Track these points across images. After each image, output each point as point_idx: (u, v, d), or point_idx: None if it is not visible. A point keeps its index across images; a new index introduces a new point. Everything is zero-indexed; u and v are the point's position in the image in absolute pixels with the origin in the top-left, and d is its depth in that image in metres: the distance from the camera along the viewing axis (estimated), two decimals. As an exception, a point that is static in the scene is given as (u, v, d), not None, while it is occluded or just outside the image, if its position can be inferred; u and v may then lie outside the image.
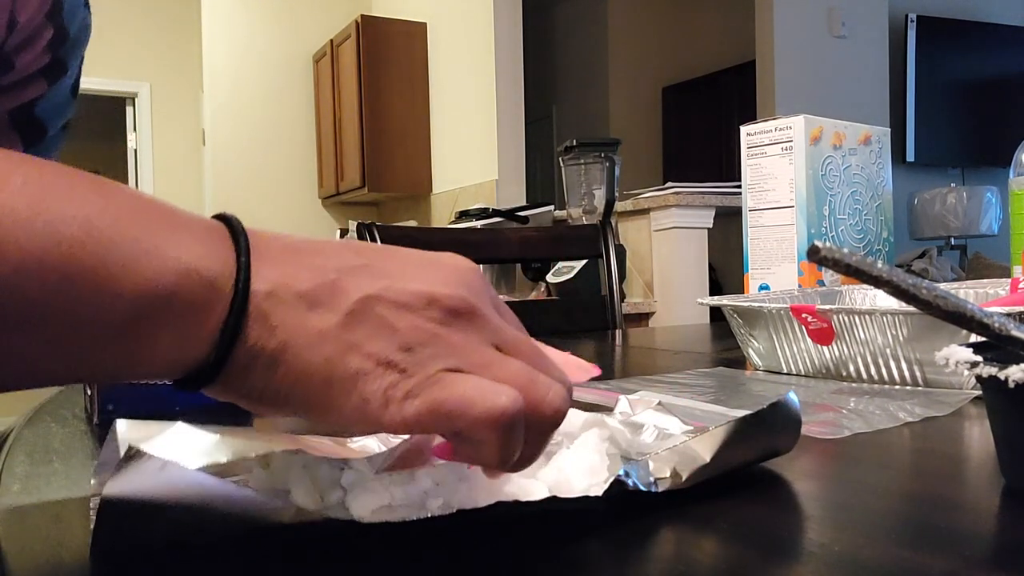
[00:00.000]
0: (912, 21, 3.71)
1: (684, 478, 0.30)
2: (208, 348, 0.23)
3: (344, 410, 0.24)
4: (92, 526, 0.28)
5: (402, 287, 0.24)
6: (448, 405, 0.24)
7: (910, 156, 3.74)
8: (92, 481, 0.33)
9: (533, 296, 2.26)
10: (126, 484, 0.23)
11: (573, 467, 0.30)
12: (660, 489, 0.29)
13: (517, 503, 0.26)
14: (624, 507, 0.29)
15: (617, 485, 0.28)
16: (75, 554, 0.29)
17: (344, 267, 0.24)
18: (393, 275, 0.25)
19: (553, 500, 0.27)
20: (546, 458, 0.31)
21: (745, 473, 0.33)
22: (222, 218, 0.25)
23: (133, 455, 0.23)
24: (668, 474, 0.30)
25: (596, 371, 0.32)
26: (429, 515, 0.26)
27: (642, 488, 0.29)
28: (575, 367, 0.31)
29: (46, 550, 0.30)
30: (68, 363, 0.22)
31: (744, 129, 0.97)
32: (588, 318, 1.34)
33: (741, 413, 0.39)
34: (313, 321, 0.23)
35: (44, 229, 0.20)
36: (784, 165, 0.93)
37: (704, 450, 0.30)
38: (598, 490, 0.28)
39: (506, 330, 0.26)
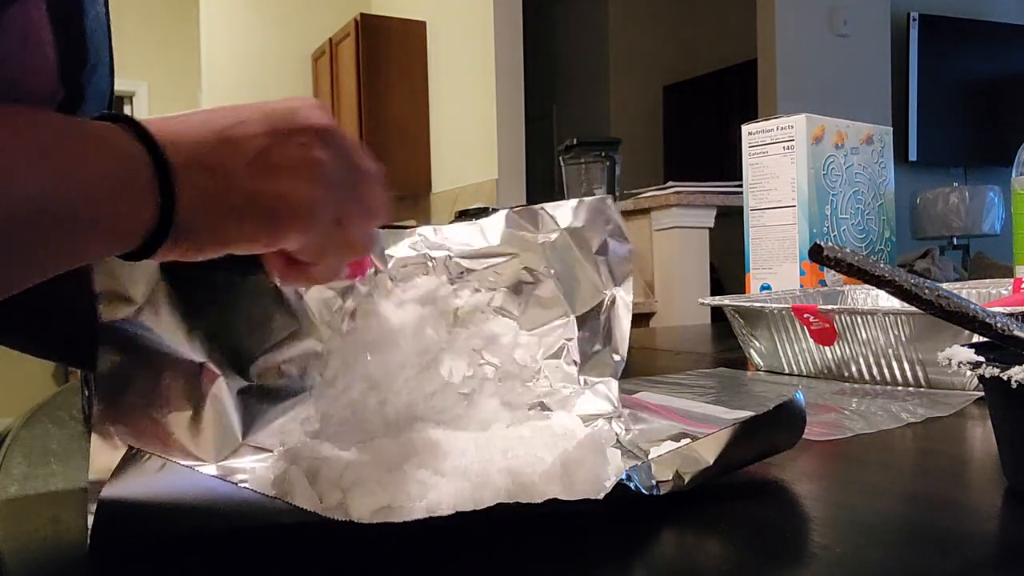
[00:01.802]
0: (914, 20, 3.71)
1: (686, 480, 0.29)
2: (151, 217, 0.28)
3: (283, 221, 0.30)
4: (90, 526, 0.28)
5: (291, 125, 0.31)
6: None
7: (912, 155, 3.74)
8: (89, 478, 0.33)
9: (534, 296, 2.26)
10: (125, 485, 0.23)
11: (575, 468, 0.30)
12: (662, 492, 0.29)
13: (518, 505, 0.26)
14: (625, 508, 0.29)
15: (619, 488, 0.28)
16: (73, 555, 0.29)
17: (233, 122, 0.30)
18: (276, 115, 0.31)
19: (554, 502, 0.27)
20: (546, 458, 0.31)
21: (747, 474, 0.33)
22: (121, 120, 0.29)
23: (132, 455, 0.23)
24: (670, 477, 0.29)
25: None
26: (428, 516, 0.26)
27: (643, 491, 0.28)
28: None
29: (44, 551, 0.30)
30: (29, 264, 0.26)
31: (745, 128, 0.97)
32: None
33: (742, 414, 0.39)
34: (220, 179, 0.29)
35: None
36: (786, 164, 0.92)
37: (708, 452, 0.30)
38: (598, 494, 0.28)
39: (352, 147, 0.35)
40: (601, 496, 0.27)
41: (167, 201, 0.28)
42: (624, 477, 0.28)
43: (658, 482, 0.29)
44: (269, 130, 0.31)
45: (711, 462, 0.30)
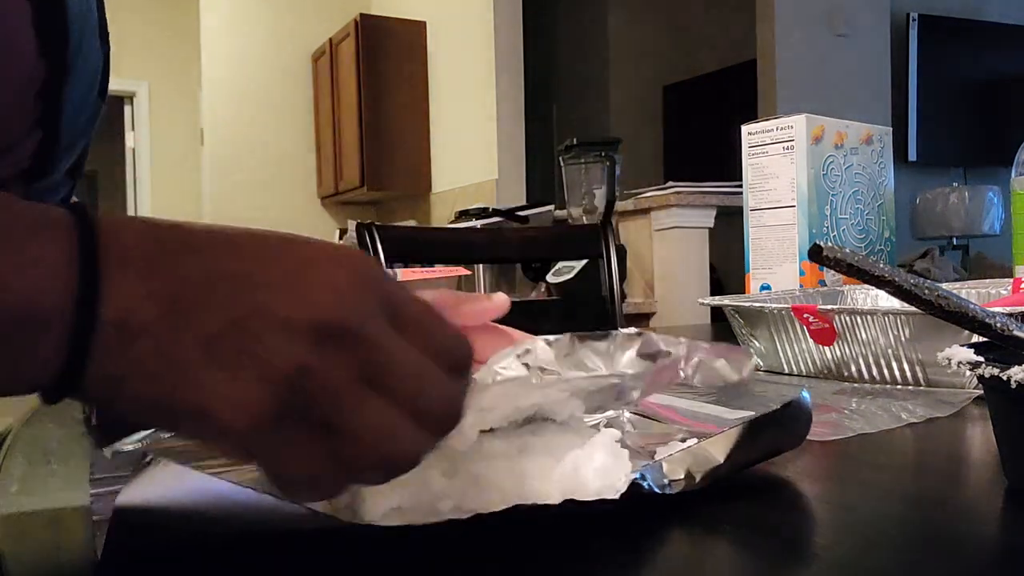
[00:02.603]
0: (914, 20, 3.71)
1: (698, 479, 0.30)
2: (52, 371, 0.21)
3: (192, 434, 0.23)
4: (94, 531, 0.28)
5: (275, 310, 0.22)
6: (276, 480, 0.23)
7: (912, 155, 3.74)
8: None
9: (533, 296, 2.26)
10: (141, 491, 0.23)
11: (586, 467, 0.30)
12: (674, 491, 0.29)
13: (533, 507, 0.26)
14: (632, 508, 0.29)
15: (632, 488, 0.28)
16: (73, 555, 0.29)
17: (216, 273, 0.22)
18: (271, 288, 0.22)
19: (569, 503, 0.27)
20: (558, 459, 0.30)
21: (748, 474, 0.33)
22: (76, 210, 0.22)
23: (149, 462, 0.23)
24: (682, 476, 0.29)
25: (502, 304, 0.31)
26: (441, 520, 0.26)
27: (656, 491, 0.28)
28: (482, 312, 0.31)
29: (43, 551, 0.30)
30: None
31: (745, 128, 0.97)
32: (588, 318, 1.34)
33: (743, 414, 0.39)
34: (167, 348, 0.21)
35: None
36: (785, 164, 0.92)
37: (718, 451, 0.30)
38: (613, 493, 0.28)
39: (384, 348, 0.23)
40: (617, 496, 0.27)
41: (73, 358, 0.21)
42: (638, 476, 0.28)
43: (670, 481, 0.29)
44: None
45: (721, 460, 0.30)
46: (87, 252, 0.21)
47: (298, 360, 0.22)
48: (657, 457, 0.31)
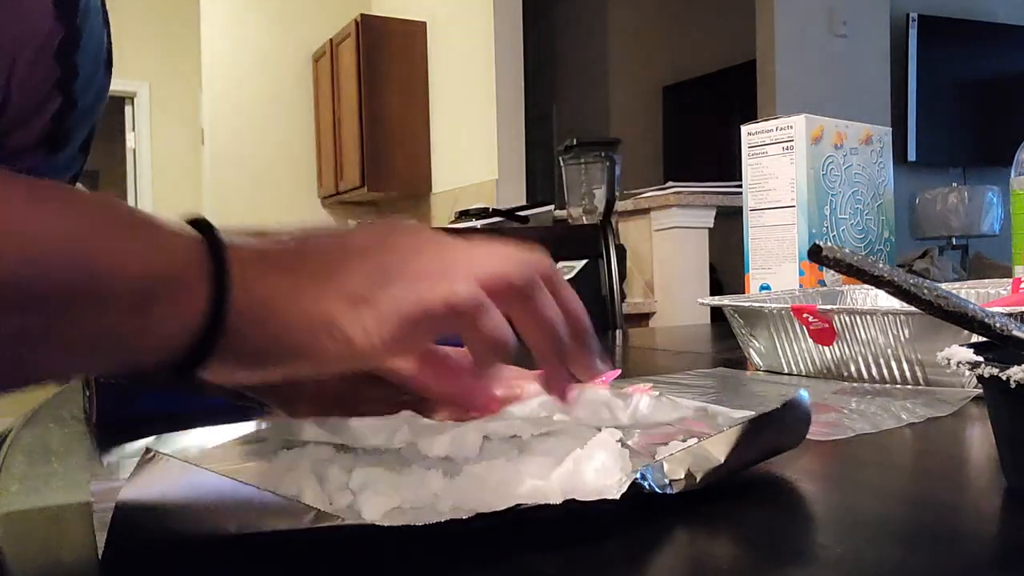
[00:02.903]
0: (913, 20, 3.71)
1: (698, 479, 0.30)
2: (201, 318, 0.25)
3: (329, 351, 0.26)
4: (96, 529, 0.28)
5: (361, 236, 0.29)
6: (410, 308, 0.27)
7: (911, 155, 3.74)
8: (92, 486, 0.33)
9: (533, 296, 2.26)
10: (142, 488, 0.23)
11: (587, 467, 0.30)
12: (675, 491, 0.29)
13: (533, 507, 0.26)
14: (631, 508, 0.29)
15: (633, 487, 0.28)
16: (74, 554, 0.29)
17: (303, 234, 0.28)
18: (350, 232, 0.29)
19: (570, 502, 0.27)
20: (558, 459, 0.31)
21: (747, 474, 0.33)
22: (195, 223, 0.27)
23: (150, 459, 0.23)
24: (682, 475, 0.29)
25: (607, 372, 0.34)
26: (443, 519, 0.26)
27: (657, 491, 0.29)
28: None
29: (44, 550, 0.30)
30: (86, 344, 0.24)
31: (745, 128, 0.97)
32: (588, 318, 1.34)
33: (743, 414, 0.39)
34: (287, 279, 0.26)
35: (36, 235, 0.23)
36: (785, 165, 0.92)
37: (718, 451, 0.30)
38: (614, 492, 0.28)
39: (468, 242, 0.30)
40: (618, 496, 0.27)
41: (220, 294, 0.25)
42: (639, 476, 0.28)
43: (671, 480, 0.29)
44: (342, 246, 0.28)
45: (721, 460, 0.30)
46: (200, 224, 0.26)
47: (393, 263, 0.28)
48: (657, 457, 0.31)
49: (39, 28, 0.29)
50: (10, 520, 0.34)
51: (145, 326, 0.25)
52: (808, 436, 0.40)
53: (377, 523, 0.25)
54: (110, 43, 0.35)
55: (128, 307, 0.24)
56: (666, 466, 0.29)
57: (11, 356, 0.23)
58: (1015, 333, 0.29)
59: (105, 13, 0.34)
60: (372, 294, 0.27)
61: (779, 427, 0.33)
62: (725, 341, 0.93)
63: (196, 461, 0.26)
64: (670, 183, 2.19)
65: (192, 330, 0.25)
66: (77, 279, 0.23)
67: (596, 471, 0.29)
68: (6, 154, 0.30)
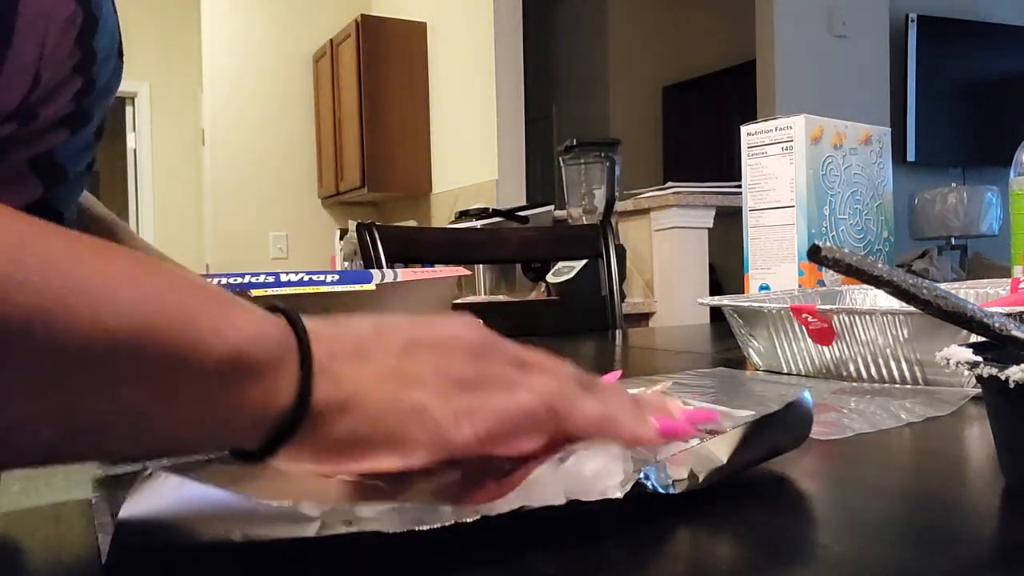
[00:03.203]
0: (913, 21, 3.71)
1: (701, 479, 0.30)
2: (288, 400, 0.25)
3: (419, 439, 0.26)
4: (99, 541, 0.28)
5: (433, 332, 0.28)
6: (514, 415, 0.27)
7: (911, 156, 3.74)
8: (94, 496, 0.33)
9: (533, 296, 2.26)
10: (142, 505, 0.23)
11: (589, 468, 0.30)
12: (677, 491, 0.29)
13: (536, 507, 0.26)
14: (632, 508, 0.29)
15: (636, 487, 0.28)
16: (75, 555, 0.29)
17: (378, 324, 0.28)
18: (419, 326, 0.28)
19: (570, 503, 0.27)
20: (561, 460, 0.31)
21: (749, 474, 0.33)
22: (270, 307, 0.27)
23: (149, 475, 0.23)
24: (685, 476, 0.29)
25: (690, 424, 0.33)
26: (446, 523, 0.25)
27: (660, 491, 0.29)
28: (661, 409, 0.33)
29: (45, 550, 0.30)
30: (177, 420, 0.24)
31: (744, 129, 0.97)
32: (588, 318, 1.34)
33: (743, 413, 0.39)
34: (371, 368, 0.26)
35: (138, 302, 0.23)
36: (784, 165, 0.93)
37: (720, 451, 0.30)
38: (617, 493, 0.28)
39: (525, 351, 0.30)
40: (621, 496, 0.27)
41: (306, 379, 0.25)
42: (642, 476, 0.28)
43: (674, 480, 0.29)
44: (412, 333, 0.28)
45: (724, 461, 0.30)
46: (284, 312, 0.26)
47: (470, 359, 0.28)
48: (660, 457, 0.31)
49: (63, 9, 0.29)
50: (11, 518, 0.34)
51: (235, 404, 0.24)
52: (808, 435, 0.40)
53: (381, 531, 0.25)
54: (119, 31, 0.35)
55: (222, 381, 0.24)
56: (669, 467, 0.30)
57: (99, 432, 0.23)
58: (1014, 333, 0.29)
59: (113, 2, 0.35)
60: (460, 386, 0.27)
61: (782, 427, 0.33)
62: (725, 341, 0.93)
63: (193, 475, 0.26)
64: (670, 183, 2.19)
65: (276, 413, 0.25)
66: (181, 347, 0.23)
67: (598, 471, 0.29)
68: (37, 129, 0.31)
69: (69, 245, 0.23)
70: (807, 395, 0.33)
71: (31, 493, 0.37)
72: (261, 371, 0.24)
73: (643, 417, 0.30)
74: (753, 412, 0.34)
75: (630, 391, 0.41)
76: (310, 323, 0.26)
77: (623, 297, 2.00)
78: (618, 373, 0.49)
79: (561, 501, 0.27)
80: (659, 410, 0.33)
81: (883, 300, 0.73)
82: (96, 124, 0.35)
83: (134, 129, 4.42)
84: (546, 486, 0.29)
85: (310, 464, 0.26)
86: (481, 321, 0.30)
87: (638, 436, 0.30)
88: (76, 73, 0.31)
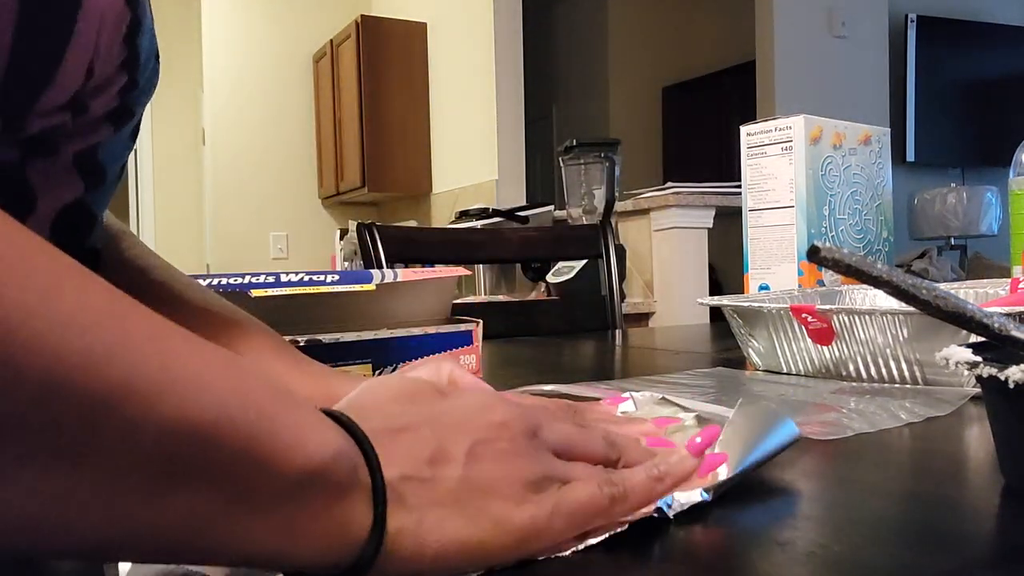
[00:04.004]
0: (912, 21, 3.71)
1: (710, 496, 0.30)
2: (365, 526, 0.24)
3: (506, 549, 0.26)
4: None
5: (483, 421, 0.28)
6: (584, 510, 0.27)
7: (910, 156, 3.74)
8: None
9: (533, 296, 2.26)
10: None
11: None
12: (687, 507, 0.29)
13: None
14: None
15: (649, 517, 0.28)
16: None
17: (429, 417, 0.27)
18: (473, 424, 0.28)
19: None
20: None
21: (749, 474, 0.33)
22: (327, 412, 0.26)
23: None
24: (698, 499, 0.29)
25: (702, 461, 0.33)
26: None
27: (670, 516, 0.29)
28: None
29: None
30: (223, 531, 0.22)
31: (744, 129, 0.97)
32: (588, 318, 1.34)
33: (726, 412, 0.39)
34: (441, 487, 0.25)
35: (223, 399, 0.22)
36: (784, 165, 0.93)
37: (723, 470, 0.31)
38: (621, 526, 0.28)
39: (566, 427, 0.31)
40: (625, 528, 0.28)
41: (380, 505, 0.24)
42: (655, 515, 0.28)
43: (689, 507, 0.29)
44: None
45: (730, 475, 0.30)
46: (343, 422, 0.25)
47: (530, 450, 0.28)
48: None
49: (116, 6, 0.30)
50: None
51: (308, 522, 0.23)
52: (808, 435, 0.40)
53: None
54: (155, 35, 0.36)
55: (300, 495, 0.23)
56: (680, 496, 0.29)
57: (153, 533, 0.21)
58: (1013, 333, 0.29)
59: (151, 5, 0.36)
60: (533, 493, 0.27)
61: (764, 427, 0.33)
62: (724, 341, 0.93)
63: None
64: (669, 183, 2.20)
65: (354, 538, 0.24)
66: (262, 451, 0.22)
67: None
68: (87, 122, 0.31)
69: (166, 329, 0.22)
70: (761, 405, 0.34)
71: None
72: (339, 491, 0.23)
73: (679, 454, 0.31)
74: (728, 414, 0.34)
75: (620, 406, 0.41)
76: (369, 427, 0.25)
77: (623, 297, 2.00)
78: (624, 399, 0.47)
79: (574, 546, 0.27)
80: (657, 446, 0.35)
81: (883, 300, 0.73)
82: (135, 123, 0.36)
83: (134, 129, 4.41)
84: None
85: None
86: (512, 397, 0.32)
87: (684, 477, 0.31)
88: (122, 69, 0.32)
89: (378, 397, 0.28)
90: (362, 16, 3.52)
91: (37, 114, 0.28)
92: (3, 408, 0.18)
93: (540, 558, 0.26)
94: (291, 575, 0.24)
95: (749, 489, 0.32)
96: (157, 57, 0.36)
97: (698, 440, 0.32)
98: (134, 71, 0.33)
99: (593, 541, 0.27)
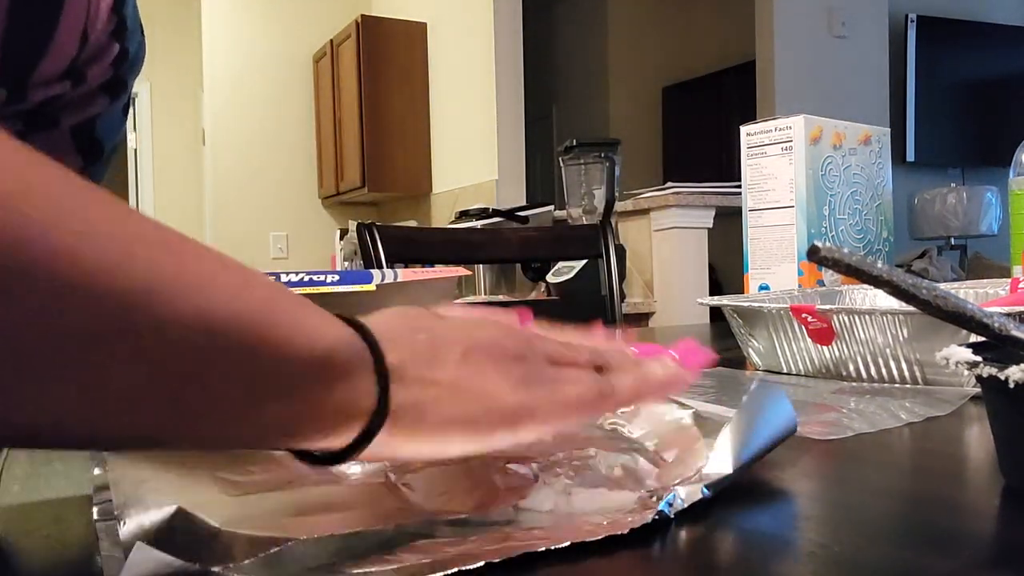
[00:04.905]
0: (912, 21, 3.71)
1: (711, 494, 0.30)
2: (370, 402, 0.26)
3: (492, 424, 0.28)
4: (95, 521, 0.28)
5: (482, 337, 0.30)
6: (574, 400, 0.30)
7: (910, 156, 3.74)
8: (96, 470, 0.33)
9: (533, 296, 2.26)
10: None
11: (595, 504, 0.30)
12: (686, 505, 0.29)
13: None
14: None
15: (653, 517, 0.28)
16: (75, 554, 0.29)
17: (427, 328, 0.29)
18: (467, 333, 0.30)
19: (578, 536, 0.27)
20: (566, 495, 0.31)
21: (748, 474, 0.33)
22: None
23: (139, 554, 0.23)
24: (699, 497, 0.29)
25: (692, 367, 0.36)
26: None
27: (670, 516, 0.29)
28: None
29: (46, 542, 0.30)
30: (249, 417, 0.24)
31: (744, 129, 0.97)
32: (588, 318, 1.34)
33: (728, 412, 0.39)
34: (438, 373, 0.28)
35: (235, 294, 0.24)
36: (784, 165, 0.93)
37: (724, 466, 0.31)
38: (623, 528, 0.27)
39: (559, 341, 0.33)
40: (625, 532, 0.27)
41: (383, 383, 0.26)
42: (656, 516, 0.28)
43: (690, 504, 0.29)
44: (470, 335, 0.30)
45: (730, 471, 0.30)
46: (350, 320, 0.27)
47: (520, 357, 0.30)
48: (675, 487, 0.31)
49: None
50: (11, 513, 0.34)
51: (321, 403, 0.25)
52: (808, 435, 0.40)
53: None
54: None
55: (313, 379, 0.25)
56: (683, 492, 0.29)
57: (193, 420, 0.23)
58: (1013, 333, 0.29)
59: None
60: (524, 387, 0.29)
61: (764, 419, 0.33)
62: (724, 341, 0.93)
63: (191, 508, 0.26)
64: (669, 183, 2.20)
65: (361, 414, 0.26)
66: (276, 342, 0.24)
67: (606, 509, 0.29)
68: (85, 92, 0.32)
69: (173, 235, 0.23)
70: (764, 384, 0.34)
71: (31, 493, 0.37)
72: (346, 373, 0.25)
73: (664, 362, 0.34)
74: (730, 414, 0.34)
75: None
76: (374, 330, 0.27)
77: (623, 297, 2.00)
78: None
79: (566, 543, 0.27)
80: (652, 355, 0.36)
81: (883, 300, 0.73)
82: (127, 97, 0.36)
83: (135, 129, 4.42)
84: (547, 528, 0.29)
85: (389, 456, 0.28)
86: (514, 316, 0.34)
87: (676, 381, 0.33)
88: (113, 39, 0.33)
89: (382, 314, 0.30)
90: (362, 16, 3.52)
91: (38, 83, 0.29)
92: (43, 318, 0.19)
93: (475, 564, 0.25)
94: (298, 454, 0.27)
95: (749, 489, 0.32)
96: (142, 31, 0.37)
97: (675, 355, 0.34)
98: (123, 39, 0.34)
99: (593, 539, 0.27)
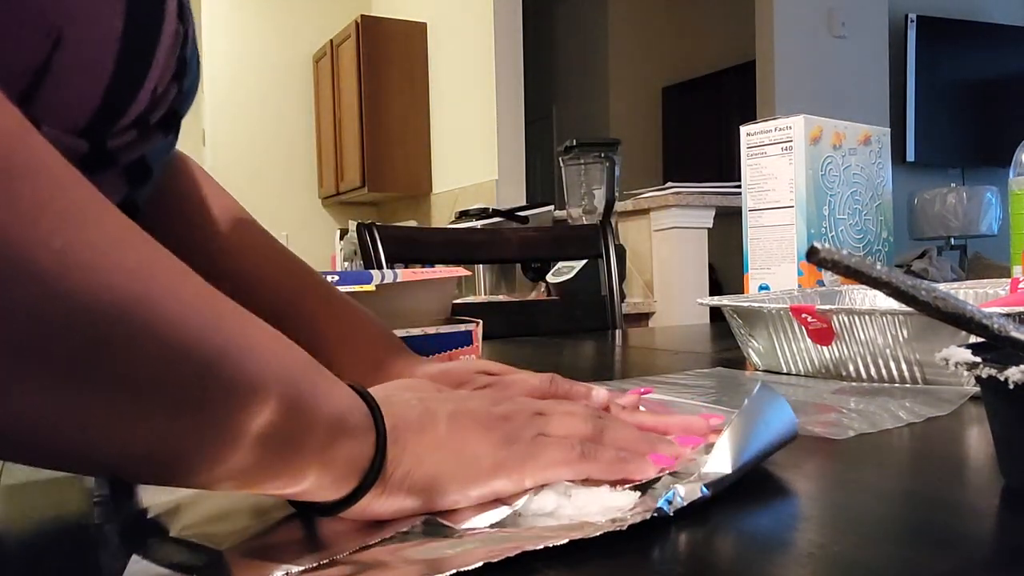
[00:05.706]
0: (912, 21, 3.72)
1: (711, 493, 0.30)
2: (367, 460, 0.29)
3: (475, 482, 0.31)
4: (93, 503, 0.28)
5: (468, 402, 0.33)
6: (554, 461, 0.32)
7: (910, 156, 3.74)
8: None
9: (533, 296, 2.26)
10: None
11: (596, 505, 0.30)
12: (686, 503, 0.29)
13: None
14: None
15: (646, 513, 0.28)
16: (72, 523, 0.29)
17: (422, 396, 0.33)
18: (455, 402, 0.33)
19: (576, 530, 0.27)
20: (566, 496, 0.31)
21: (749, 474, 0.33)
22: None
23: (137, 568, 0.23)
24: (698, 495, 0.29)
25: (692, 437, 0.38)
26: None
27: (670, 515, 0.29)
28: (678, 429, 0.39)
29: (43, 520, 0.30)
30: (285, 462, 0.27)
31: (744, 129, 0.97)
32: (588, 318, 1.34)
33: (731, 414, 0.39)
34: (427, 436, 0.31)
35: (280, 360, 0.27)
36: (784, 165, 0.93)
37: (723, 465, 0.31)
38: (624, 525, 0.28)
39: (564, 410, 0.36)
40: (624, 528, 0.27)
41: (381, 443, 0.29)
42: (655, 514, 0.28)
43: (689, 503, 0.29)
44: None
45: (730, 471, 0.30)
46: (359, 390, 0.31)
47: (507, 413, 0.34)
48: (674, 484, 0.31)
49: (173, 25, 0.32)
50: (9, 491, 0.34)
51: (332, 457, 0.28)
52: (807, 435, 0.40)
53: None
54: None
55: (328, 435, 0.28)
56: (682, 490, 0.29)
57: (201, 460, 0.25)
58: (1013, 334, 0.30)
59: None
60: (508, 448, 0.32)
61: (765, 422, 0.33)
62: (724, 341, 0.93)
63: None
64: (669, 183, 2.20)
65: (361, 469, 0.29)
66: (307, 401, 0.27)
67: (606, 508, 0.29)
68: (150, 128, 0.33)
69: (230, 308, 0.26)
70: (766, 387, 0.34)
71: (32, 491, 0.37)
72: (354, 434, 0.29)
73: (646, 452, 0.35)
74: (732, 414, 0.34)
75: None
76: (376, 395, 0.31)
77: (623, 297, 2.00)
78: (649, 390, 0.50)
79: (564, 540, 0.27)
80: (656, 440, 0.37)
81: (882, 300, 0.73)
82: (179, 125, 0.37)
83: (134, 129, 4.41)
84: (549, 525, 0.29)
85: (379, 511, 0.30)
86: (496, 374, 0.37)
87: (640, 476, 0.34)
88: (174, 82, 0.33)
89: (387, 384, 0.35)
90: (362, 16, 3.52)
91: (112, 135, 0.30)
92: (69, 337, 0.20)
93: (475, 564, 0.25)
94: (299, 506, 0.30)
95: (749, 489, 0.32)
96: (199, 60, 0.38)
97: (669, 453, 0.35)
98: (183, 81, 0.34)
99: (591, 535, 0.27)
